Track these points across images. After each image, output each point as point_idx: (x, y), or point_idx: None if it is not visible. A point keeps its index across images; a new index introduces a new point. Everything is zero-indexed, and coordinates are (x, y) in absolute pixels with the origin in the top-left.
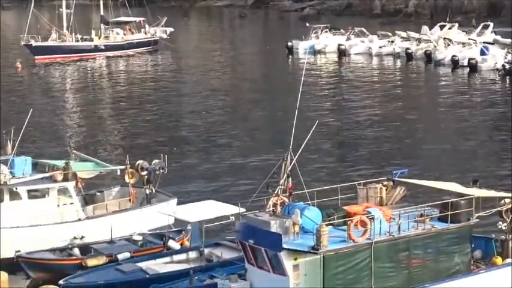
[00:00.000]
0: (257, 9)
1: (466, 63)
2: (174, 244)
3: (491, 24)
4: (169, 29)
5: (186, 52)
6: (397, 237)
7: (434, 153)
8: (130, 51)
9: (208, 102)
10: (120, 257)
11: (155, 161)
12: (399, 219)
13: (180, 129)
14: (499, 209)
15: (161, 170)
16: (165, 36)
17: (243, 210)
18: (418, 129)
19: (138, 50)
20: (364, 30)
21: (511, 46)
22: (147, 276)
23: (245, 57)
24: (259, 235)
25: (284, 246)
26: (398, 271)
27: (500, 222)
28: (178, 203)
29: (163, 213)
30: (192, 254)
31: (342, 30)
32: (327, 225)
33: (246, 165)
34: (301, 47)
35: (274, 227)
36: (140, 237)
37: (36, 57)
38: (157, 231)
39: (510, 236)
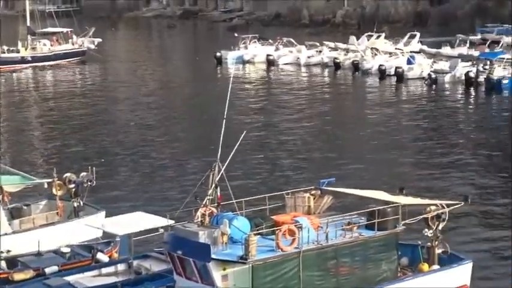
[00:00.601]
0: (186, 19)
1: (393, 72)
2: (102, 257)
3: (418, 34)
4: (98, 40)
5: (115, 63)
6: (325, 246)
7: (362, 162)
8: (57, 62)
9: (136, 113)
10: (47, 270)
11: (83, 174)
12: (327, 227)
13: (108, 141)
14: (424, 216)
15: (89, 183)
16: (93, 46)
17: (171, 221)
18: (345, 139)
19: (66, 60)
20: (293, 41)
21: (437, 56)
22: None
23: (174, 68)
24: (188, 246)
25: (213, 256)
26: (326, 279)
27: (426, 230)
28: (107, 216)
29: (91, 226)
30: (121, 267)
31: (270, 41)
32: (255, 234)
33: (175, 176)
34: (230, 57)
35: (203, 237)
36: (68, 249)
37: None
38: (86, 243)
39: (436, 242)
